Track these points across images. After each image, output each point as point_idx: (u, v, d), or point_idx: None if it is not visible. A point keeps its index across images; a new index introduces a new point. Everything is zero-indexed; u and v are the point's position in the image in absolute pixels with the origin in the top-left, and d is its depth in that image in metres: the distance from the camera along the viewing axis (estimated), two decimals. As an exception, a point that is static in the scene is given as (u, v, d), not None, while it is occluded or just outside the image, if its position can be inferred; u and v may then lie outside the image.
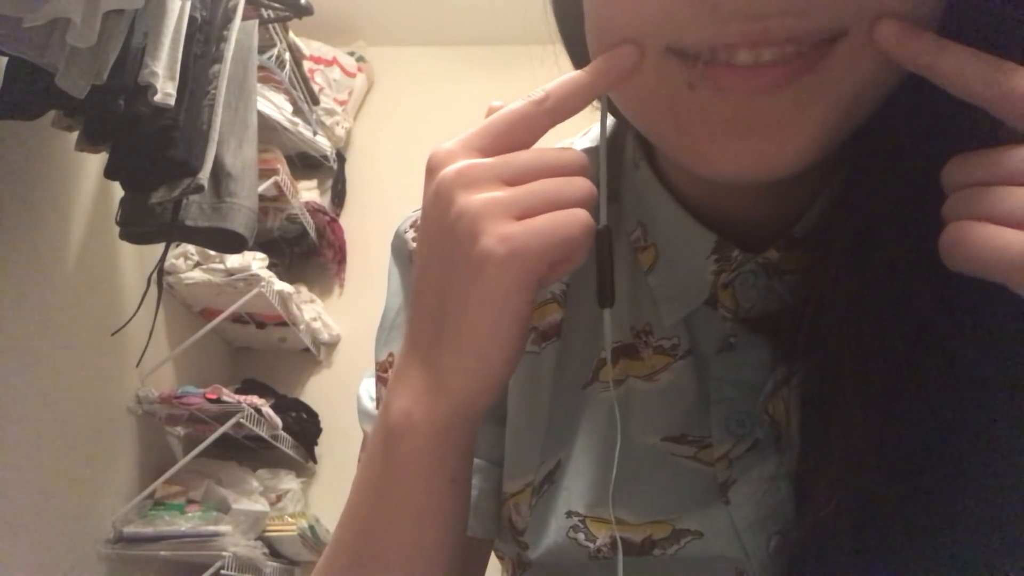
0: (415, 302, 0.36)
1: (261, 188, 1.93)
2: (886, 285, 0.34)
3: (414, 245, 0.48)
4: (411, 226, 0.49)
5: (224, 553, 1.81)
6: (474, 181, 0.33)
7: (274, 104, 2.18)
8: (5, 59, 1.26)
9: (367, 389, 0.50)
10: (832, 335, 0.35)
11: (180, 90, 1.33)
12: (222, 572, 1.81)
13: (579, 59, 0.46)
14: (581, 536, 0.42)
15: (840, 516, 0.34)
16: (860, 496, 0.34)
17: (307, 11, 1.87)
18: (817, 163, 0.34)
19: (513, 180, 0.34)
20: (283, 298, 2.15)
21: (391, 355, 0.48)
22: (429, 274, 0.35)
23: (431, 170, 0.35)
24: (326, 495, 2.34)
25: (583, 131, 0.51)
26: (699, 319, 0.44)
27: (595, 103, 0.48)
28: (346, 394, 2.30)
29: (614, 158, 0.47)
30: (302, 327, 2.30)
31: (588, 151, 0.48)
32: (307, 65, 2.35)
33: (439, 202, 0.34)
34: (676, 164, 0.42)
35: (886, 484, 0.33)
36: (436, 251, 0.35)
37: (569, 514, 0.43)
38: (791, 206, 0.40)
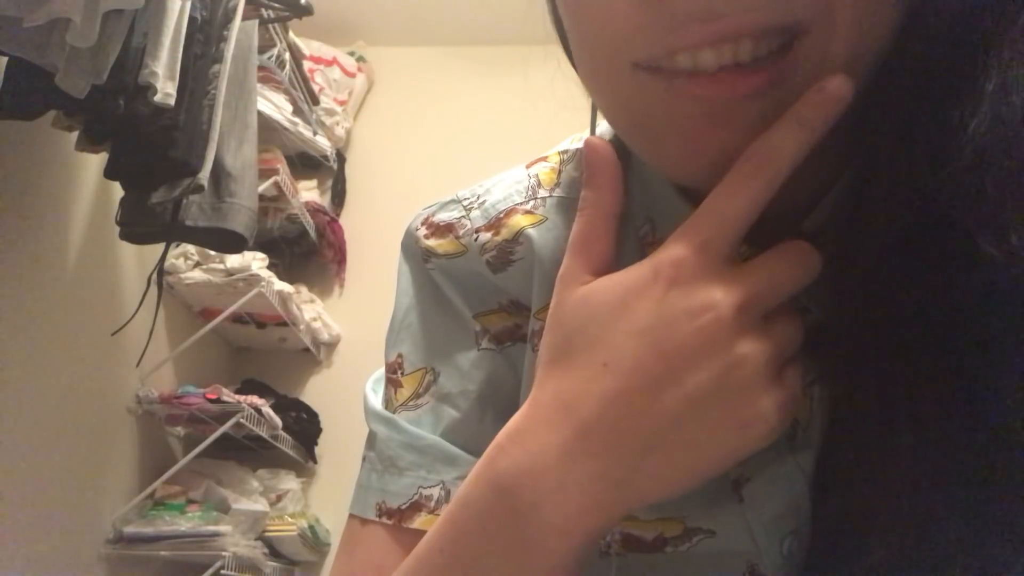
0: (601, 414, 0.32)
1: (261, 188, 1.93)
2: (920, 284, 0.33)
3: (427, 243, 0.48)
4: (422, 223, 0.49)
5: (224, 553, 1.81)
6: (751, 320, 0.31)
7: (274, 104, 2.18)
8: (5, 59, 1.26)
9: (373, 388, 0.50)
10: (872, 336, 0.34)
11: (180, 90, 1.33)
12: (222, 572, 1.81)
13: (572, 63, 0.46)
14: None
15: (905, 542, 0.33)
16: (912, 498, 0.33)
17: (307, 11, 1.87)
18: (810, 158, 0.34)
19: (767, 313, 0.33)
20: (283, 298, 2.16)
21: (400, 356, 0.48)
22: (648, 396, 0.31)
23: (674, 281, 0.32)
24: (326, 495, 2.34)
25: (588, 129, 0.51)
26: None
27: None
28: (346, 394, 2.32)
29: (623, 153, 0.47)
30: (302, 327, 2.30)
31: None
32: (307, 65, 2.35)
33: (705, 337, 0.31)
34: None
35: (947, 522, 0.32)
36: (674, 379, 0.31)
37: None
38: (799, 201, 0.40)
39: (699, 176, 0.35)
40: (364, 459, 0.48)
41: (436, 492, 0.43)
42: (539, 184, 0.48)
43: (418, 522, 0.43)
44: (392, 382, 0.48)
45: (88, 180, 1.77)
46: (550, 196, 0.47)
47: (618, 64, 0.33)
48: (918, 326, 0.32)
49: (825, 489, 0.38)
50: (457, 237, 0.47)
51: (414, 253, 0.49)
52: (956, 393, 0.31)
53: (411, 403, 0.46)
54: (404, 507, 0.43)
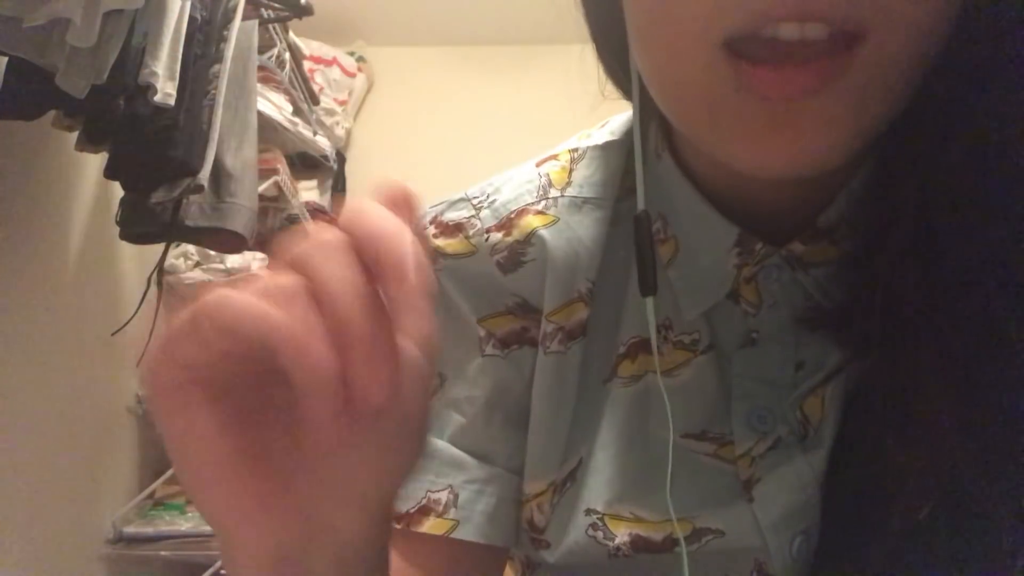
0: None
1: (261, 188, 1.92)
2: (951, 274, 0.33)
3: (435, 243, 0.47)
4: (430, 222, 0.48)
5: (224, 553, 1.81)
6: None
7: (274, 104, 2.17)
8: (5, 59, 1.25)
9: None
10: (904, 327, 0.34)
11: (180, 90, 1.33)
12: (222, 572, 1.81)
13: (610, 55, 0.45)
14: (600, 534, 0.42)
15: (934, 511, 0.33)
16: (950, 491, 0.33)
17: (307, 11, 1.87)
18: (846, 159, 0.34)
19: None
20: (283, 298, 2.15)
21: None
22: None
23: None
24: (326, 495, 2.33)
25: (600, 123, 0.51)
26: (720, 314, 0.43)
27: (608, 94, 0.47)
28: (346, 394, 2.31)
29: (633, 153, 0.47)
30: (302, 327, 2.29)
31: (610, 144, 0.48)
32: (307, 65, 2.35)
33: None
34: (701, 155, 0.42)
35: (977, 475, 0.32)
36: None
37: (588, 512, 0.43)
38: (816, 197, 0.40)
39: (768, 175, 0.34)
40: None
41: (444, 496, 0.43)
42: (550, 183, 0.48)
43: (426, 526, 0.43)
44: None
45: (88, 180, 1.77)
46: (562, 196, 0.47)
47: (705, 43, 0.32)
48: (963, 289, 0.33)
49: (837, 483, 0.38)
50: (467, 237, 0.47)
51: None
52: (983, 360, 0.32)
53: None
54: (412, 511, 0.43)
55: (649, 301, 0.41)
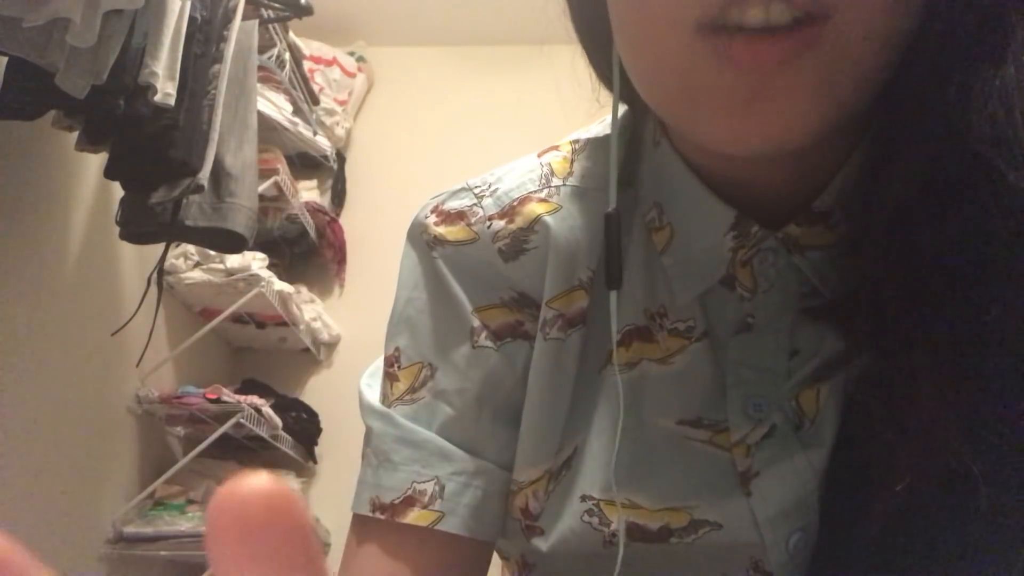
0: None
1: (261, 188, 1.93)
2: (939, 257, 0.33)
3: (437, 230, 0.47)
4: (432, 211, 0.48)
5: (224, 553, 1.81)
6: None
7: (274, 104, 2.18)
8: (5, 59, 1.26)
9: (368, 383, 0.50)
10: (890, 312, 0.35)
11: (180, 90, 1.33)
12: (222, 572, 1.81)
13: (596, 51, 0.46)
14: (595, 520, 0.42)
15: (921, 493, 0.33)
16: (941, 474, 0.33)
17: (307, 11, 1.87)
18: (830, 136, 0.34)
19: None
20: (283, 298, 2.15)
21: (397, 349, 0.48)
22: None
23: None
24: (326, 495, 2.34)
25: (599, 120, 0.51)
26: (715, 300, 0.44)
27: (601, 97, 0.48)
28: (346, 394, 2.31)
29: (632, 145, 0.47)
30: (302, 327, 2.30)
31: (608, 138, 0.48)
32: (307, 65, 2.35)
33: None
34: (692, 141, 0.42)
35: (969, 458, 0.32)
36: None
37: (583, 498, 0.43)
38: (813, 181, 0.40)
39: (747, 151, 0.35)
40: (363, 456, 0.48)
41: (430, 487, 0.43)
42: (552, 173, 0.48)
43: (411, 517, 0.43)
44: (389, 376, 0.48)
45: (88, 180, 1.77)
46: (564, 185, 0.47)
47: (679, 27, 0.33)
48: (942, 277, 0.33)
49: (835, 477, 0.38)
50: (469, 224, 0.47)
51: (420, 242, 0.49)
52: (980, 338, 0.32)
53: (407, 397, 0.46)
54: (397, 502, 0.43)
55: (613, 295, 0.41)
